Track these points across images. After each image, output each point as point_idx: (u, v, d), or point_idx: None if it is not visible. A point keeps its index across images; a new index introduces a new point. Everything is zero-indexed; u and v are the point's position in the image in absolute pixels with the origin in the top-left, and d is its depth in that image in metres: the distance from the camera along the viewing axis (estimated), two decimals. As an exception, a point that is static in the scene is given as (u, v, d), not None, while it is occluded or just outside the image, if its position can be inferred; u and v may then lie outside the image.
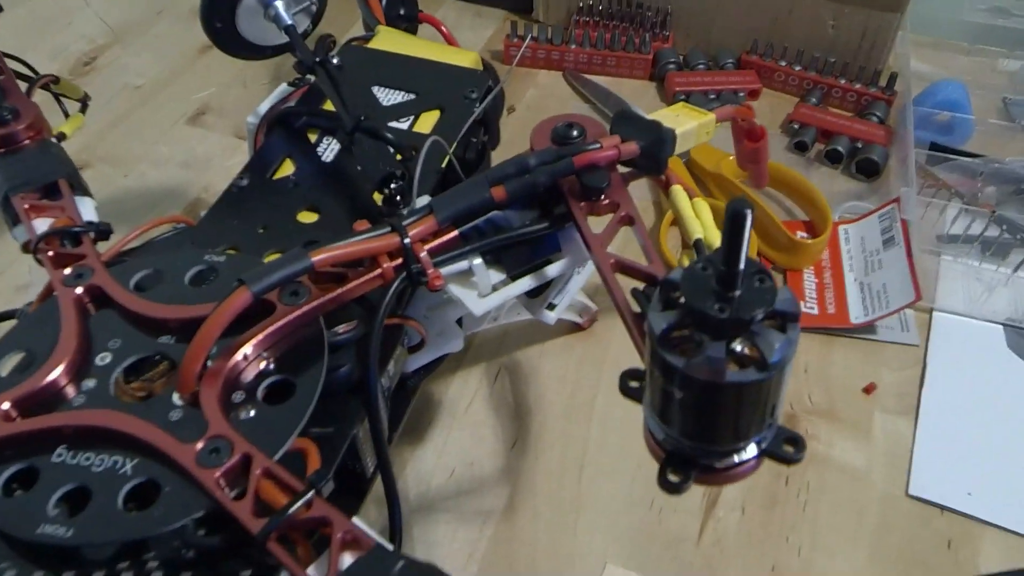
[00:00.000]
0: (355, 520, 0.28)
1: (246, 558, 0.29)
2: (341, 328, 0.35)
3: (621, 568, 0.46)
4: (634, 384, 0.31)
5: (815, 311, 0.59)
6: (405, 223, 0.35)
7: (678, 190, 0.42)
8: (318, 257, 0.33)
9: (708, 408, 0.26)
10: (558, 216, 0.38)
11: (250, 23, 0.46)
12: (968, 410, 0.54)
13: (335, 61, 0.49)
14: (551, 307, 0.41)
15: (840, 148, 0.70)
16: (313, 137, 0.47)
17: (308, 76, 0.46)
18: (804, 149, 0.71)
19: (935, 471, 0.50)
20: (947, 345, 0.57)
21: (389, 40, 0.54)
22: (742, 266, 0.24)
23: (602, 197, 0.37)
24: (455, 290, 0.37)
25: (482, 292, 0.37)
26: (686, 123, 0.40)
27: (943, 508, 0.49)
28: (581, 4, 0.79)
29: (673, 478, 0.28)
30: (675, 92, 0.75)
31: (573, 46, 0.77)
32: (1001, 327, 0.59)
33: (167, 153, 0.71)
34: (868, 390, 0.55)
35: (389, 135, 0.42)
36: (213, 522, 0.29)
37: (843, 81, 0.75)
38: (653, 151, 0.38)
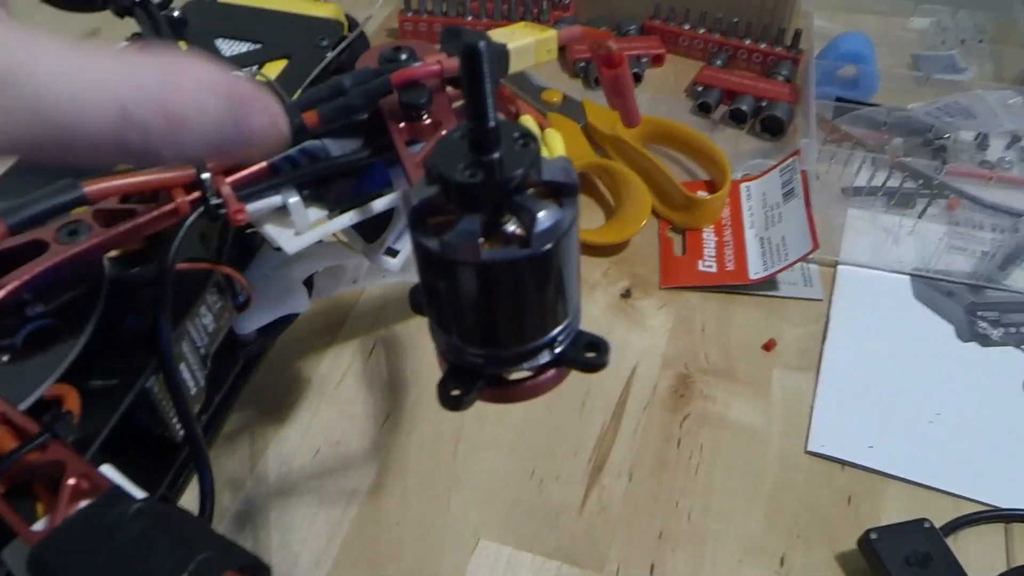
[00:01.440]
0: (105, 468, 0.25)
1: None
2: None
3: (495, 543, 0.42)
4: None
5: (714, 269, 0.56)
6: (202, 154, 0.31)
7: (527, 119, 0.39)
8: (93, 188, 0.29)
9: (474, 299, 0.22)
10: (382, 144, 0.34)
11: (67, -32, 0.43)
12: (871, 363, 0.51)
13: (176, 14, 0.45)
14: (392, 253, 0.37)
15: (744, 107, 0.67)
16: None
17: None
18: (708, 111, 0.69)
19: (835, 426, 0.47)
20: (851, 298, 0.55)
21: (242, -5, 0.51)
22: (492, 122, 0.20)
23: (423, 116, 0.33)
24: (268, 228, 0.34)
25: (299, 230, 0.34)
26: (522, 39, 0.37)
27: (843, 463, 0.46)
28: (479, -24, 0.76)
29: (455, 391, 0.24)
30: (575, 61, 0.72)
31: (470, 18, 0.74)
32: (908, 277, 0.56)
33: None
34: (768, 347, 0.52)
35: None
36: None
37: (748, 42, 0.72)
38: (480, 67, 0.35)
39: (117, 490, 0.23)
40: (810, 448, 0.46)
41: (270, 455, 0.46)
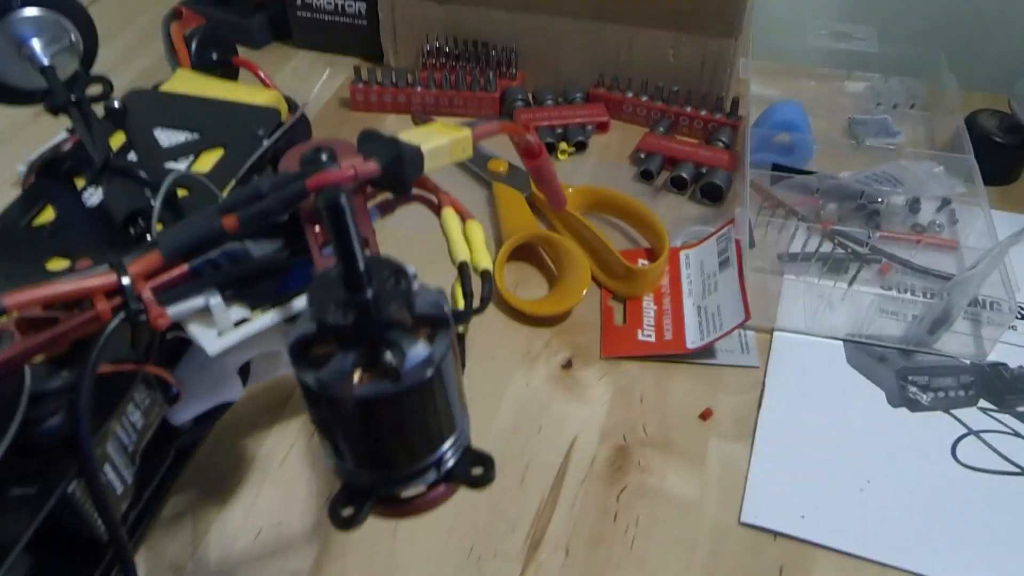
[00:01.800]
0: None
1: None
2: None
3: (432, 625, 0.43)
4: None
5: (653, 339, 0.57)
6: (126, 259, 0.32)
7: (448, 212, 0.40)
8: (12, 299, 0.30)
9: (355, 429, 0.23)
10: (302, 245, 0.35)
11: (6, 64, 0.44)
12: (804, 431, 0.52)
13: (116, 104, 0.47)
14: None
15: (684, 174, 0.69)
16: (81, 183, 0.44)
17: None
18: (650, 177, 0.71)
19: (768, 496, 0.48)
20: (787, 365, 0.56)
21: (183, 82, 0.52)
22: (361, 265, 0.22)
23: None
24: (192, 329, 0.34)
25: (221, 330, 0.34)
26: (436, 140, 0.38)
27: (776, 534, 0.47)
28: (428, 47, 0.79)
29: (345, 512, 0.25)
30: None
31: (419, 88, 0.76)
32: (841, 343, 0.58)
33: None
34: (704, 416, 0.53)
35: (141, 173, 0.40)
36: None
37: (689, 109, 0.75)
38: (395, 169, 0.36)
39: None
40: (743, 519, 0.47)
41: (212, 538, 0.46)
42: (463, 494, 0.48)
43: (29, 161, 0.45)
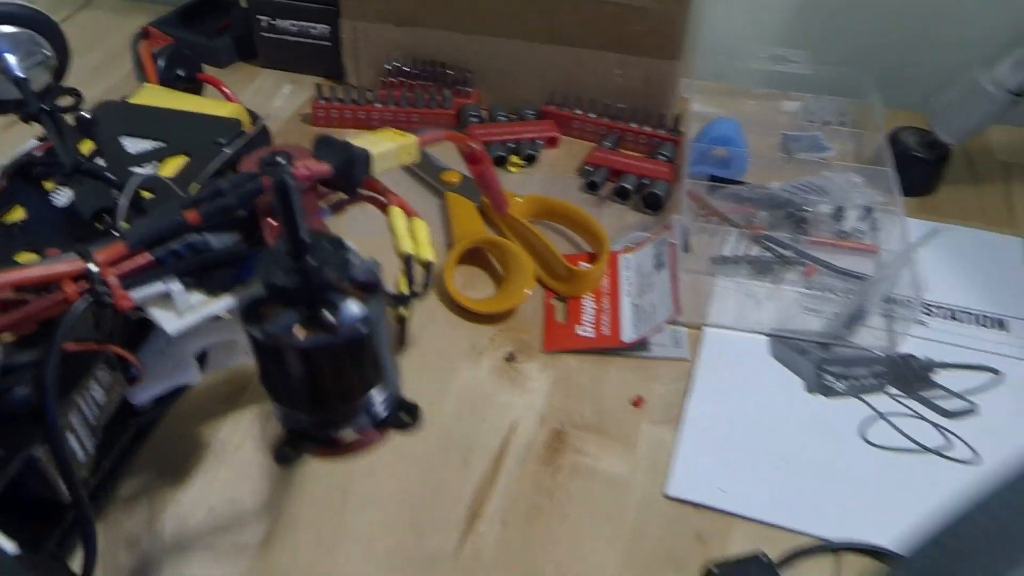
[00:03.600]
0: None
1: None
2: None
3: (375, 590, 0.46)
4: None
5: (592, 334, 0.61)
6: (92, 248, 0.36)
7: (394, 210, 0.44)
8: (-16, 280, 0.33)
9: (295, 376, 0.27)
10: (259, 238, 0.39)
11: (-18, 77, 0.48)
12: (728, 415, 0.56)
13: (87, 115, 0.51)
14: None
15: (627, 185, 0.74)
16: (51, 187, 0.48)
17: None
18: (595, 188, 0.75)
19: (692, 473, 0.52)
20: (715, 357, 0.60)
21: (150, 96, 0.56)
22: (305, 237, 0.26)
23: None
24: (153, 311, 0.38)
25: (179, 312, 0.38)
26: (384, 144, 0.43)
27: (697, 505, 0.51)
28: (389, 67, 0.83)
29: (286, 450, 0.29)
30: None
31: (379, 105, 0.81)
32: (766, 337, 0.62)
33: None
34: (636, 403, 0.57)
35: (109, 175, 0.44)
36: None
37: (634, 125, 0.80)
38: (345, 171, 0.41)
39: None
40: (668, 493, 0.51)
41: (168, 514, 0.49)
42: (408, 472, 0.52)
43: (0, 166, 0.49)
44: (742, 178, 0.76)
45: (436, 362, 0.59)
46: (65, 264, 0.36)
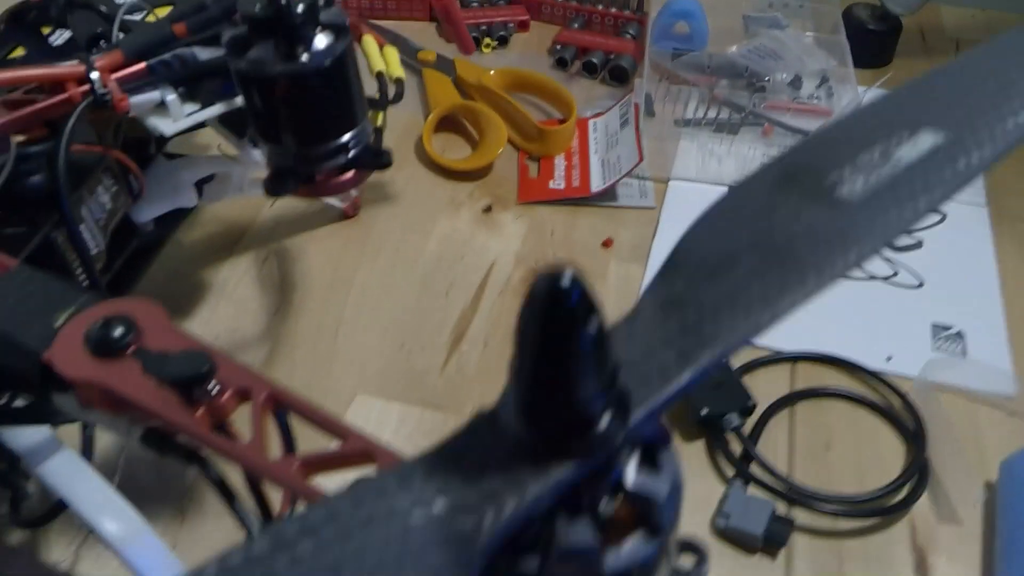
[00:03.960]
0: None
1: None
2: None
3: (369, 396, 0.50)
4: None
5: (562, 186, 0.65)
6: (92, 56, 0.39)
7: (368, 38, 0.47)
8: None
9: (278, 106, 0.31)
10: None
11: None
12: (691, 251, 0.60)
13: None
14: (255, 144, 0.45)
15: (595, 60, 0.77)
16: (47, 31, 0.50)
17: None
18: (564, 65, 0.78)
19: (658, 298, 0.57)
20: (679, 206, 0.64)
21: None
22: None
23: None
24: (150, 118, 0.41)
25: (174, 118, 0.41)
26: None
27: (662, 325, 0.55)
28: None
29: (274, 184, 0.33)
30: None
31: (353, -6, 0.83)
32: (725, 188, 0.66)
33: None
34: (606, 244, 0.61)
35: (102, 8, 0.46)
36: None
37: (600, 7, 0.83)
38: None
39: (26, 266, 0.30)
40: (635, 316, 0.56)
41: (174, 344, 0.53)
42: (395, 303, 0.56)
43: (-3, 15, 0.51)
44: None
45: (418, 214, 0.63)
46: (68, 67, 0.39)
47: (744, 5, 0.87)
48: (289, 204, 0.61)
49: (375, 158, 0.33)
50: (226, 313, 0.55)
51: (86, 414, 0.28)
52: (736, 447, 0.49)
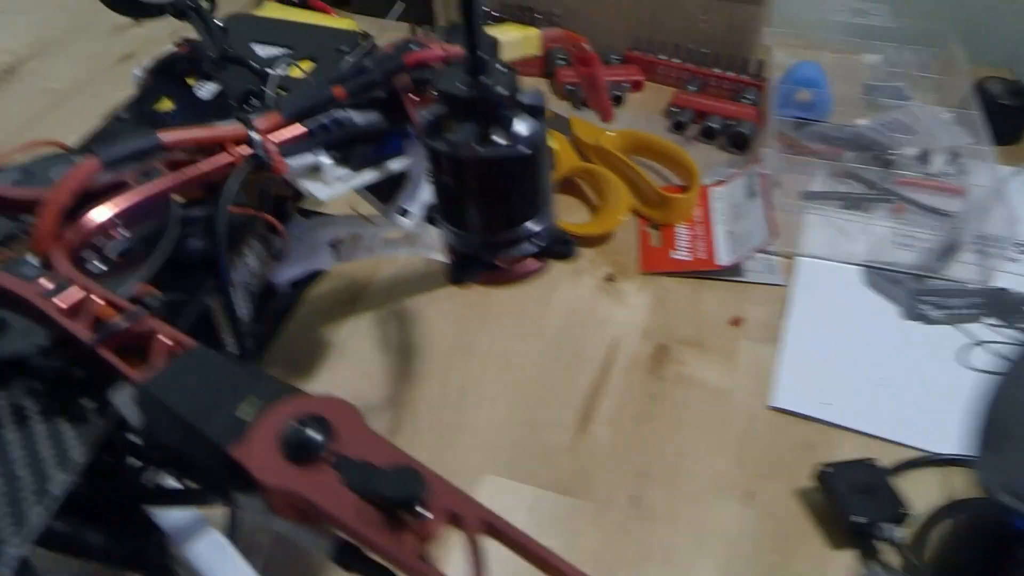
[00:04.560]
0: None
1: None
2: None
3: (499, 477, 0.48)
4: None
5: (688, 257, 0.62)
6: (252, 116, 0.38)
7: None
8: (167, 136, 0.35)
9: (472, 190, 0.29)
10: (397, 118, 0.41)
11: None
12: (826, 336, 0.57)
13: (220, 24, 0.53)
14: (404, 213, 0.44)
15: (714, 125, 0.75)
16: (192, 82, 0.50)
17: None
18: (681, 128, 0.76)
19: (794, 386, 0.54)
20: (809, 283, 0.62)
21: (273, 10, 0.58)
22: (482, 51, 0.28)
23: (429, 91, 0.41)
24: (304, 182, 0.40)
25: (327, 182, 0.40)
26: (510, 34, 0.45)
27: (802, 416, 0.52)
28: (475, 10, 0.85)
29: (458, 273, 0.31)
30: (564, 85, 0.80)
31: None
32: (858, 268, 0.63)
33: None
34: (735, 323, 0.58)
35: (253, 64, 0.46)
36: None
37: (717, 71, 0.81)
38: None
39: (204, 347, 0.29)
40: (772, 404, 0.53)
41: (294, 406, 0.51)
42: (520, 374, 0.53)
43: (144, 66, 0.51)
44: (828, 121, 0.76)
45: (539, 280, 0.60)
46: (230, 128, 0.38)
47: (863, 73, 0.84)
48: (406, 264, 0.59)
49: (562, 246, 0.31)
50: (348, 375, 0.53)
51: (270, 519, 0.26)
52: (892, 558, 0.45)
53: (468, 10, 0.26)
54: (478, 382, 0.53)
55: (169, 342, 0.29)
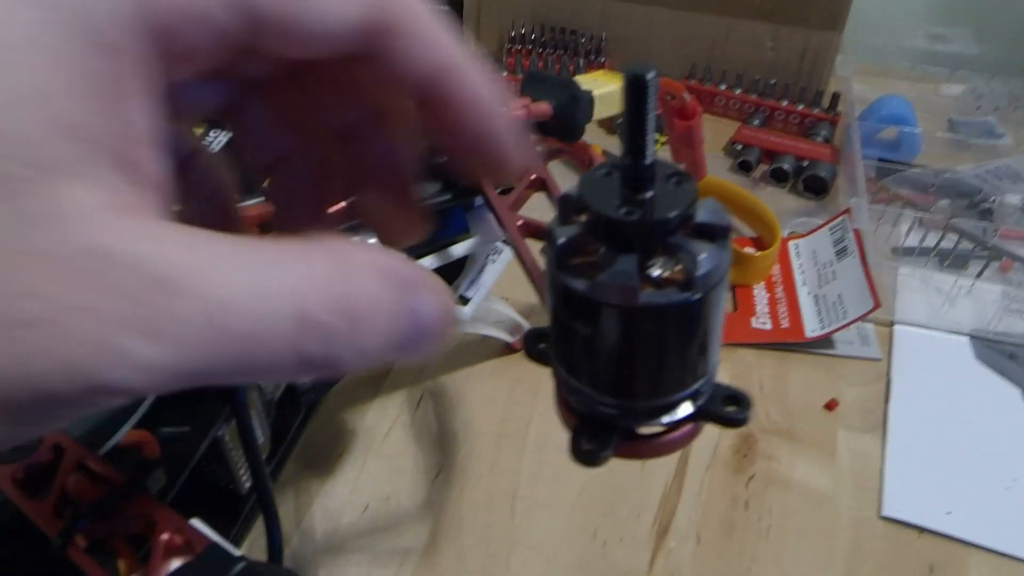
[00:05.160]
0: (195, 522, 0.22)
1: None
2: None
3: (560, 610, 0.39)
4: (542, 345, 0.25)
5: (768, 326, 0.54)
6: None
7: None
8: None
9: (618, 345, 0.20)
10: (462, 189, 0.33)
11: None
12: (939, 425, 0.49)
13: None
14: (464, 301, 0.36)
15: (786, 167, 0.67)
16: (200, 131, 0.42)
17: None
18: (748, 169, 0.68)
19: (909, 490, 0.45)
20: (911, 358, 0.53)
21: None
22: (650, 159, 0.19)
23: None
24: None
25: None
26: (605, 85, 0.36)
27: (921, 530, 0.44)
28: (513, 33, 0.77)
29: (587, 446, 0.22)
30: (612, 119, 0.72)
31: (505, 74, 0.74)
32: (967, 339, 0.55)
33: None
34: (830, 407, 0.50)
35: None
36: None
37: (785, 103, 0.73)
38: (567, 112, 0.34)
39: (215, 547, 0.20)
40: (885, 513, 0.44)
41: (316, 510, 0.43)
42: (581, 474, 0.45)
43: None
44: (913, 162, 0.68)
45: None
46: (254, 210, 0.30)
47: (948, 108, 0.76)
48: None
49: (732, 405, 0.22)
50: (376, 473, 0.45)
51: None
52: None
53: (637, 102, 0.18)
54: (532, 483, 0.45)
55: (176, 538, 0.21)
